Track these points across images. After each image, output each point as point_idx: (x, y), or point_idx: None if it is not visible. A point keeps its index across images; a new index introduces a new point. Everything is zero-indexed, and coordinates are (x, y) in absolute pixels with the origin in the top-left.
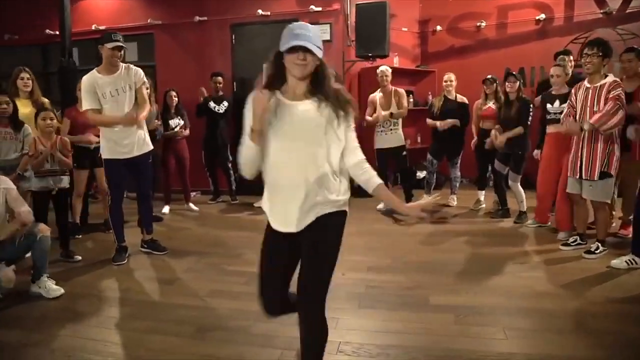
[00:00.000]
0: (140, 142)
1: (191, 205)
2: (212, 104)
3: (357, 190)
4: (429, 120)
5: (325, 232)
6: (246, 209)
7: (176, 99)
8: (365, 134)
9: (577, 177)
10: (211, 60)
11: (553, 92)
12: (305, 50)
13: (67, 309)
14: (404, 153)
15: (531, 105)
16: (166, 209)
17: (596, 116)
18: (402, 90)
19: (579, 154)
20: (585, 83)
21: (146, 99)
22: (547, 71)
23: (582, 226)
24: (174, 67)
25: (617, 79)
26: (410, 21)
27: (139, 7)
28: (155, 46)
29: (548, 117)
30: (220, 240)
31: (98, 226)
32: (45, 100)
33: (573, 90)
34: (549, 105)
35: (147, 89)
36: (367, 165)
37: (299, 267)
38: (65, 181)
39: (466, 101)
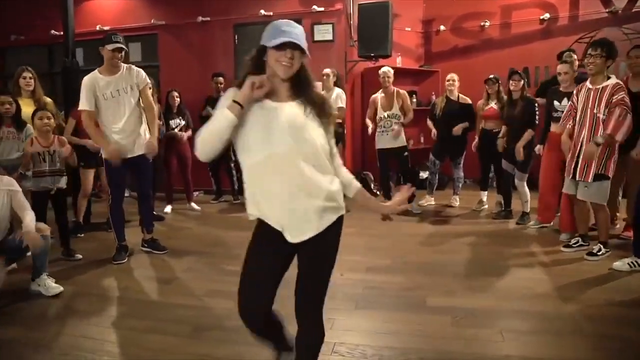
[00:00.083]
0: (140, 141)
1: (193, 204)
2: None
3: None
4: (429, 122)
5: (326, 244)
6: None
7: (178, 99)
8: (368, 136)
9: (572, 177)
10: (214, 61)
11: (561, 89)
12: (294, 48)
13: (66, 307)
14: (406, 154)
15: (536, 105)
16: (168, 209)
17: (610, 126)
18: (404, 92)
19: (576, 155)
20: (588, 84)
21: (151, 101)
22: (551, 71)
23: (583, 227)
24: (178, 67)
25: (620, 82)
26: (413, 21)
27: (142, 7)
28: (158, 46)
29: (554, 114)
30: (221, 240)
31: (100, 225)
32: (48, 100)
33: (575, 91)
34: (556, 103)
35: (150, 88)
36: (346, 170)
37: (298, 274)
38: (63, 181)
39: (469, 101)
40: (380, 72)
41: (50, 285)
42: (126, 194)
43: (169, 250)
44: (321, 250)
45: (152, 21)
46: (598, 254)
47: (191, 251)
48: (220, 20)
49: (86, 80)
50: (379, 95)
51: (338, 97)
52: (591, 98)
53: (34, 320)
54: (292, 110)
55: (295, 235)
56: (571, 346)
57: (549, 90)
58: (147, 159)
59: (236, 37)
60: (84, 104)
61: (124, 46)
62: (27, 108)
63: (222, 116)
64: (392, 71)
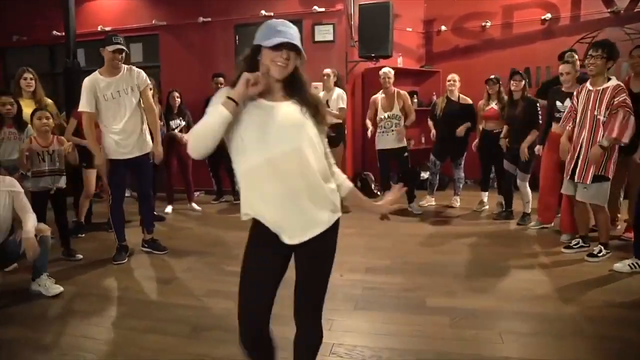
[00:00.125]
0: (141, 142)
1: (194, 205)
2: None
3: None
4: (429, 122)
5: (326, 245)
6: None
7: (179, 99)
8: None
9: (570, 178)
10: (215, 61)
11: (563, 89)
12: (290, 48)
13: (66, 307)
14: (406, 154)
15: (538, 104)
16: (169, 209)
17: (615, 129)
18: (404, 93)
19: (575, 156)
20: (588, 85)
21: (152, 102)
22: (553, 71)
23: (583, 229)
24: (179, 67)
25: (621, 83)
26: (414, 21)
27: (144, 8)
28: (159, 47)
29: (557, 115)
30: (221, 240)
31: (101, 225)
32: (49, 101)
33: (575, 92)
34: (558, 103)
35: (150, 89)
36: (339, 170)
37: (297, 276)
38: (62, 181)
39: (470, 101)
40: (380, 72)
41: (50, 285)
42: (127, 194)
43: (169, 250)
44: (320, 252)
45: (153, 22)
46: (598, 255)
47: (191, 251)
48: (221, 20)
49: (86, 81)
50: (379, 96)
51: (339, 98)
52: (591, 100)
53: (34, 320)
54: (288, 110)
55: (295, 236)
56: (571, 348)
57: (550, 90)
58: (148, 160)
59: (237, 38)
60: (84, 106)
61: (124, 47)
62: (28, 109)
63: (216, 113)
64: (392, 72)
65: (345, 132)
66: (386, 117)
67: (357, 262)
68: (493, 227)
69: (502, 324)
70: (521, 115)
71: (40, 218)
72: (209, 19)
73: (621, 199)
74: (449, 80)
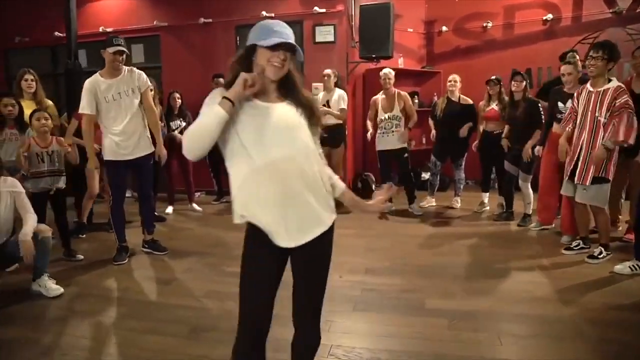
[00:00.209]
0: (141, 143)
1: (195, 205)
2: None
3: (356, 191)
4: (430, 122)
5: (323, 247)
6: None
7: (179, 100)
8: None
9: (569, 179)
10: (216, 62)
11: (565, 90)
12: (286, 49)
13: (66, 307)
14: (406, 155)
15: (540, 105)
16: (170, 209)
17: (621, 132)
18: (405, 94)
19: (575, 157)
20: (588, 87)
21: (152, 103)
22: (554, 72)
23: (583, 230)
24: (180, 68)
25: (622, 85)
26: (416, 22)
27: (145, 9)
28: (161, 48)
29: (558, 115)
30: (221, 241)
31: (102, 225)
32: (49, 103)
33: (575, 94)
34: (560, 104)
35: (151, 90)
36: (331, 170)
37: (294, 279)
38: (62, 181)
39: (470, 101)
40: (381, 73)
41: (51, 286)
42: (128, 194)
43: (169, 251)
44: (318, 254)
45: (154, 23)
46: (599, 257)
47: (191, 252)
48: (222, 21)
49: (87, 83)
50: (379, 97)
51: (340, 98)
52: (592, 101)
53: (34, 320)
54: (283, 111)
55: (294, 239)
56: (570, 350)
57: (552, 91)
58: (148, 161)
59: (238, 39)
60: (84, 108)
61: (125, 49)
62: (29, 110)
63: (212, 113)
64: (393, 73)
65: (346, 132)
66: (386, 118)
67: (356, 263)
68: (493, 228)
69: (501, 326)
70: (522, 116)
71: (40, 219)
72: (210, 20)
73: (622, 200)
74: (449, 81)
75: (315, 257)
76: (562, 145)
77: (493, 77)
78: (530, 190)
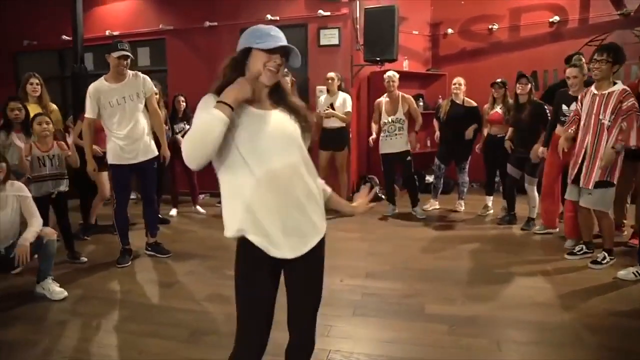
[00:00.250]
0: (145, 148)
1: (198, 207)
2: None
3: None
4: (435, 123)
5: (316, 255)
6: None
7: (184, 104)
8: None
9: (573, 183)
10: (221, 65)
11: (570, 93)
12: (282, 54)
13: (69, 310)
14: (409, 158)
15: (546, 107)
16: (173, 212)
17: (633, 137)
18: (409, 97)
19: (579, 161)
20: (593, 89)
21: (156, 108)
22: (561, 74)
23: (587, 234)
24: (185, 71)
25: (627, 88)
26: (421, 24)
27: (151, 13)
28: (166, 51)
29: (562, 118)
30: (224, 244)
31: (107, 227)
32: (54, 106)
33: (579, 96)
34: (564, 107)
35: (156, 94)
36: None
37: (289, 289)
38: (64, 185)
39: (474, 104)
40: (385, 76)
41: (54, 289)
42: (133, 196)
43: (172, 253)
44: (314, 262)
45: (160, 26)
46: (602, 262)
47: (194, 254)
48: (227, 25)
49: (91, 88)
50: (383, 100)
51: (345, 102)
52: (596, 104)
53: (36, 322)
54: (279, 118)
55: (293, 250)
56: (570, 357)
57: (557, 93)
58: (152, 165)
59: None
60: (87, 112)
61: (129, 53)
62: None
63: (212, 117)
64: (397, 75)
65: (350, 135)
66: (390, 121)
67: (357, 267)
68: (496, 232)
69: (500, 332)
70: (527, 118)
71: (44, 222)
72: (215, 24)
73: (628, 204)
74: (454, 84)
75: (311, 265)
76: (562, 143)
77: (498, 80)
78: (536, 194)
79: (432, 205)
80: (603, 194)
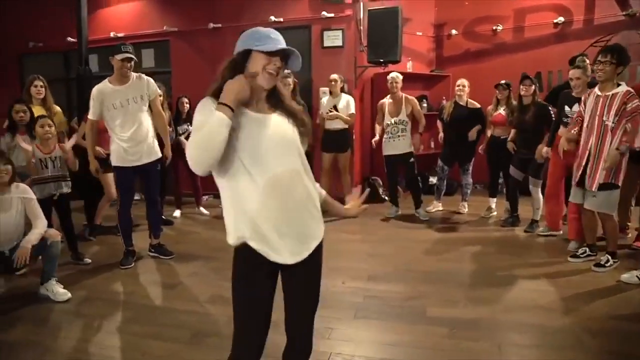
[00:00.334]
0: (149, 150)
1: (202, 209)
2: None
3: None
4: (438, 124)
5: (314, 259)
6: None
7: (187, 105)
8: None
9: (578, 185)
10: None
11: (573, 94)
12: (282, 57)
13: (72, 311)
14: (412, 160)
15: (550, 108)
16: (177, 213)
17: (638, 137)
18: (413, 98)
19: (583, 163)
20: (596, 91)
21: (160, 110)
22: (565, 76)
23: (591, 237)
24: (189, 73)
25: (631, 89)
26: (425, 25)
27: (155, 14)
28: (170, 53)
29: (565, 119)
30: (227, 245)
31: (110, 229)
32: (57, 109)
33: (583, 98)
34: (567, 108)
35: (160, 96)
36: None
37: (287, 293)
38: (66, 187)
39: (478, 105)
40: (388, 77)
41: (58, 291)
42: (137, 197)
43: (175, 254)
44: (312, 266)
45: (164, 28)
46: (606, 265)
47: (197, 256)
48: (231, 26)
49: (94, 90)
50: (386, 101)
51: (348, 104)
52: (600, 105)
53: (40, 323)
54: (278, 122)
55: (294, 255)
56: None
57: (561, 94)
58: (156, 166)
59: None
60: (91, 114)
61: (133, 56)
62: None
63: (215, 120)
64: (400, 77)
65: (353, 137)
66: (393, 122)
67: (359, 269)
68: (500, 234)
69: (502, 335)
70: (531, 120)
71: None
72: (219, 25)
73: (632, 207)
74: (458, 86)
75: (310, 269)
76: (562, 144)
77: (502, 82)
78: (540, 196)
79: (435, 206)
80: (607, 196)
